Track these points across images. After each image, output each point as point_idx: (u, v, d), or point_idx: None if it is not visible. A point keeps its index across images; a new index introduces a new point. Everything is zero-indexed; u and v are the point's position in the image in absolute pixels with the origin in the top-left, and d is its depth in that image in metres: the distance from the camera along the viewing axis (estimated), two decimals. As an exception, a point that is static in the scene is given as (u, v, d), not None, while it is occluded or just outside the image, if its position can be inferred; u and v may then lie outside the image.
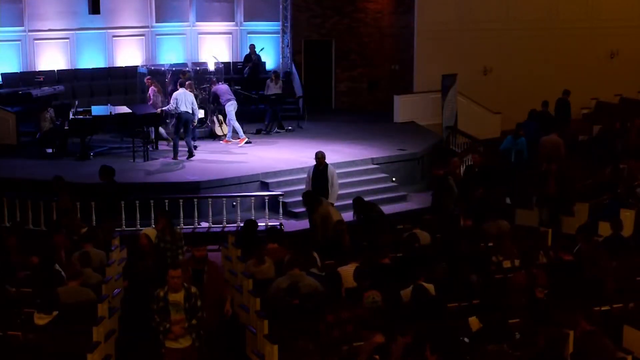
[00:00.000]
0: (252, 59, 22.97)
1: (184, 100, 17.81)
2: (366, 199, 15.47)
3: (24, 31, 21.72)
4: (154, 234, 11.46)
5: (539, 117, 20.33)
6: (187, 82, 18.75)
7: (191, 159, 17.70)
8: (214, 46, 23.89)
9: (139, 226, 14.98)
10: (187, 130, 17.94)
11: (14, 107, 19.55)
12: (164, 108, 18.49)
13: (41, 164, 17.21)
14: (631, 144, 19.37)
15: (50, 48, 22.13)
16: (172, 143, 18.28)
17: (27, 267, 10.88)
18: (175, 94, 17.98)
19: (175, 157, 17.75)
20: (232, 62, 23.66)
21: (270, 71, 22.82)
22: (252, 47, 23.17)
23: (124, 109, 18.99)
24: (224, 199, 15.43)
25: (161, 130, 19.02)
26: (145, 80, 19.74)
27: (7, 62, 21.54)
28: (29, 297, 9.94)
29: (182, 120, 17.81)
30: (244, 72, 22.79)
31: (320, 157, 14.69)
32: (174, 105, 17.81)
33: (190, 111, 17.89)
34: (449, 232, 12.74)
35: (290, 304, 9.50)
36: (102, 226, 13.27)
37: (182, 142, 17.92)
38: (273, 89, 21.04)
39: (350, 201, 15.95)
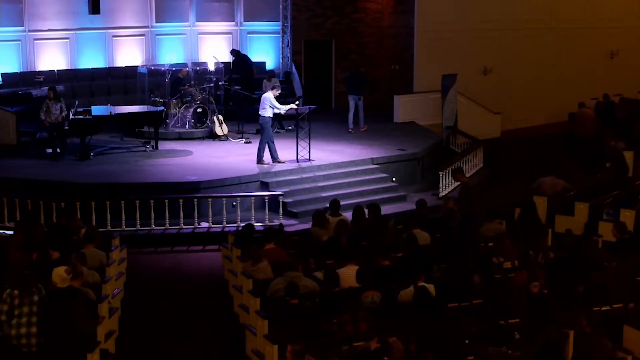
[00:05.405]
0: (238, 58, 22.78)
1: None
2: (366, 199, 15.51)
3: (24, 31, 21.70)
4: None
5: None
6: None
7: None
8: (215, 46, 23.87)
9: (139, 226, 15.00)
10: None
11: (14, 107, 19.56)
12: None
13: (41, 164, 17.22)
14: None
15: (50, 48, 22.12)
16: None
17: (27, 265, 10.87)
18: None
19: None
20: (232, 62, 23.61)
21: (269, 71, 22.80)
22: (233, 51, 22.89)
23: (124, 109, 19.06)
24: (224, 199, 15.42)
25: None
26: None
27: (7, 62, 21.52)
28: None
29: None
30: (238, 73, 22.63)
31: None
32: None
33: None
34: (449, 231, 12.72)
35: (289, 303, 9.50)
36: None
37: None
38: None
39: (350, 201, 16.05)
